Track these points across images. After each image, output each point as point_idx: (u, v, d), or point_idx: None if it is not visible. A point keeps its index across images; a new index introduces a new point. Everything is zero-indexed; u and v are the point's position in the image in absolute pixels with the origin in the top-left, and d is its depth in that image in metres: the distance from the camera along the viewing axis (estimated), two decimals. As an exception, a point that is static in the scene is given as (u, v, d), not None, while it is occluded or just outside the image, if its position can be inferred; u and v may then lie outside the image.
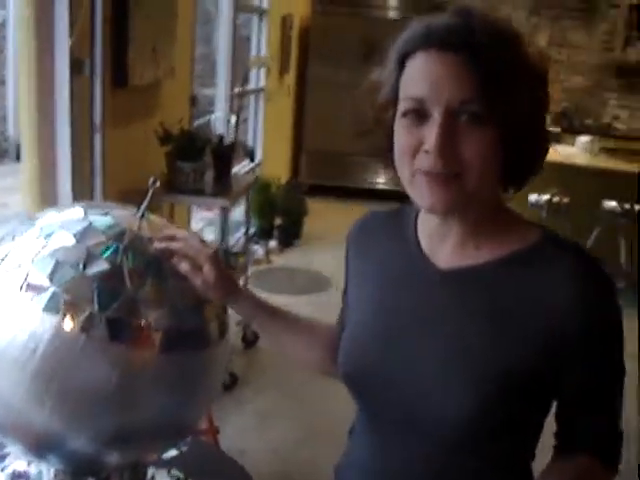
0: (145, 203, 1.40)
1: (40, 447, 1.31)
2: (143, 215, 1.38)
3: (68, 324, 1.21)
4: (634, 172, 5.91)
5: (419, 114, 1.05)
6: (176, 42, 3.66)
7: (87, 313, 1.21)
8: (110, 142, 2.95)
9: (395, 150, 1.10)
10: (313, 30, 7.86)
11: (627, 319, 1.13)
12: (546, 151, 1.11)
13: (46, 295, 1.22)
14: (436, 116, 1.02)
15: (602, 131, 8.12)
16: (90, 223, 1.31)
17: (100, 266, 1.25)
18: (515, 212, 1.16)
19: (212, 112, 5.20)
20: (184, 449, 1.60)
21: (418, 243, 1.20)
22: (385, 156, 1.14)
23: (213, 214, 5.36)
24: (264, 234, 6.04)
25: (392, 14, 8.04)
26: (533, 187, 5.67)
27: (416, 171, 1.07)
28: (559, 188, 5.63)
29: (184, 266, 1.31)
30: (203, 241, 1.37)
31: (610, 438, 1.15)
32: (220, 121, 5.03)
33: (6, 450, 1.46)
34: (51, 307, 1.21)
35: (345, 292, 1.36)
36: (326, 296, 4.84)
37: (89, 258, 1.26)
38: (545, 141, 1.11)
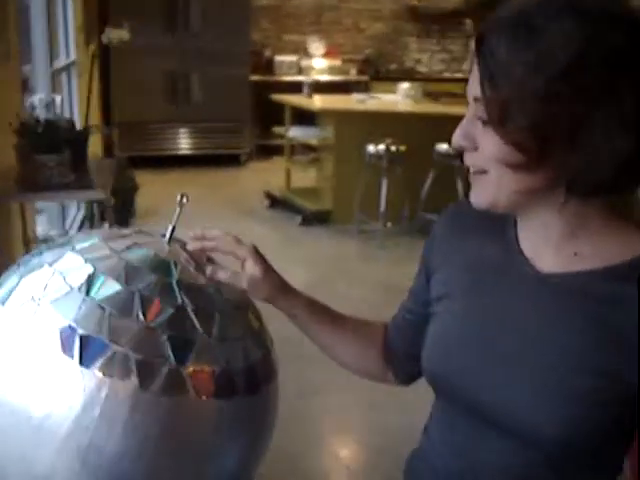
0: (173, 224, 1.19)
1: None
2: (171, 238, 1.18)
3: (147, 389, 0.99)
4: (459, 114, 6.14)
5: None
6: (9, 23, 3.24)
7: (166, 371, 1.01)
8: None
9: None
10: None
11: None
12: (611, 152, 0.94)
13: (110, 358, 0.99)
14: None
15: (406, 75, 8.35)
16: (126, 261, 1.09)
17: (164, 313, 1.04)
18: (622, 217, 1.06)
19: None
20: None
21: (517, 242, 1.10)
22: None
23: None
24: (94, 218, 5.64)
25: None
26: (369, 138, 5.73)
27: None
28: (393, 137, 5.72)
29: (223, 274, 1.15)
30: (236, 237, 1.21)
31: None
32: (43, 102, 4.58)
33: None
34: (120, 372, 0.99)
35: (419, 288, 1.26)
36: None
37: (146, 304, 1.04)
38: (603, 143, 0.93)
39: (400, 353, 1.31)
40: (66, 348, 0.99)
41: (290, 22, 8.61)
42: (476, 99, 0.98)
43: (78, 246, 1.13)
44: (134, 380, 0.99)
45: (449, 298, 1.17)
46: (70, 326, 1.01)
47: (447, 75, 8.88)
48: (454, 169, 5.89)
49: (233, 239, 1.20)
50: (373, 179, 5.76)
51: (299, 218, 6.13)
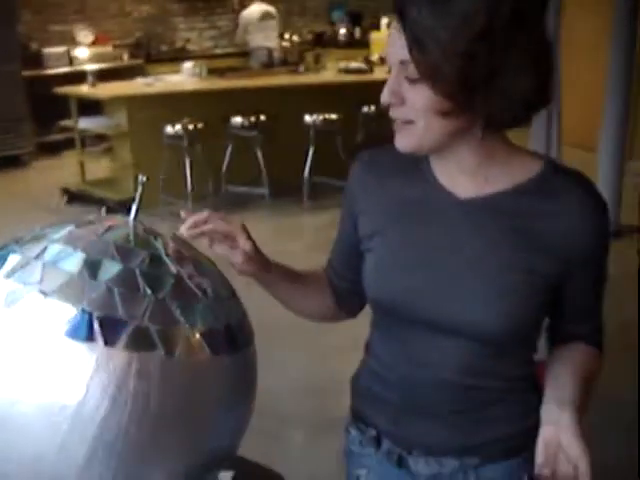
0: (137, 204, 1.22)
1: None
2: (137, 217, 1.21)
3: (172, 356, 1.04)
4: (247, 87, 6.29)
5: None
6: None
7: (184, 336, 1.07)
8: None
9: None
10: None
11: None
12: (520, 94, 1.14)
13: (132, 334, 1.03)
14: (391, 74, 1.17)
15: (178, 55, 8.35)
16: (113, 242, 1.12)
17: (166, 284, 1.09)
18: (516, 145, 1.26)
19: None
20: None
21: (434, 177, 1.28)
22: None
23: None
24: None
25: None
26: (166, 119, 5.72)
27: None
28: (188, 116, 5.74)
29: (220, 248, 1.27)
30: (223, 215, 1.28)
31: (598, 330, 1.37)
32: None
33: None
34: (146, 345, 1.03)
35: (348, 229, 1.41)
36: None
37: (148, 278, 1.08)
38: (510, 87, 1.13)
39: (342, 291, 1.46)
40: (86, 333, 1.01)
41: (54, 12, 8.20)
42: (402, 62, 1.13)
43: (56, 236, 1.13)
44: (160, 350, 1.03)
45: (380, 234, 1.32)
46: (84, 311, 1.02)
47: (218, 51, 8.96)
48: (251, 140, 6.04)
49: (223, 218, 1.27)
50: (174, 160, 5.75)
51: (102, 210, 5.99)
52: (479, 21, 1.07)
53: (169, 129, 5.68)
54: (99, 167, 6.47)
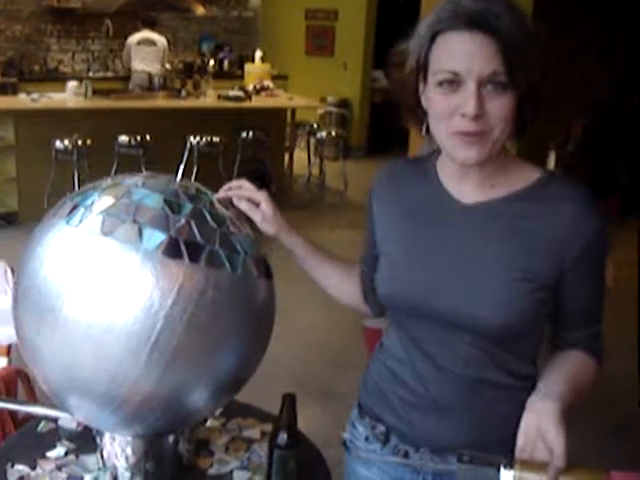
0: (183, 164, 1.51)
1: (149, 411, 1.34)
2: (183, 177, 1.49)
3: (235, 273, 1.33)
4: (132, 108, 6.48)
5: (453, 83, 1.23)
6: None
7: (242, 260, 1.35)
8: None
9: (431, 113, 1.29)
10: None
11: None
12: (541, 107, 1.31)
13: (209, 255, 1.30)
14: (470, 86, 1.21)
15: (50, 75, 8.40)
16: (180, 189, 1.40)
17: (225, 221, 1.39)
18: (513, 155, 1.37)
19: None
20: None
21: (441, 184, 1.40)
22: (409, 111, 1.38)
23: None
24: None
25: None
26: (53, 135, 5.82)
27: (453, 131, 1.25)
28: (77, 133, 5.87)
29: (244, 205, 1.49)
30: (252, 185, 1.53)
31: (598, 338, 1.41)
32: None
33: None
34: (218, 264, 1.31)
35: (371, 234, 1.53)
36: None
37: (212, 215, 1.37)
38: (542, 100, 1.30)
39: (368, 289, 1.58)
40: (176, 253, 1.27)
41: None
42: (495, 72, 1.19)
43: (132, 182, 1.40)
44: (227, 269, 1.32)
45: (393, 237, 1.44)
46: (172, 237, 1.28)
47: (91, 74, 9.02)
48: (136, 158, 6.21)
49: (250, 187, 1.51)
50: (59, 175, 5.85)
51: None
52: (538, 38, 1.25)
53: (59, 144, 5.78)
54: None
